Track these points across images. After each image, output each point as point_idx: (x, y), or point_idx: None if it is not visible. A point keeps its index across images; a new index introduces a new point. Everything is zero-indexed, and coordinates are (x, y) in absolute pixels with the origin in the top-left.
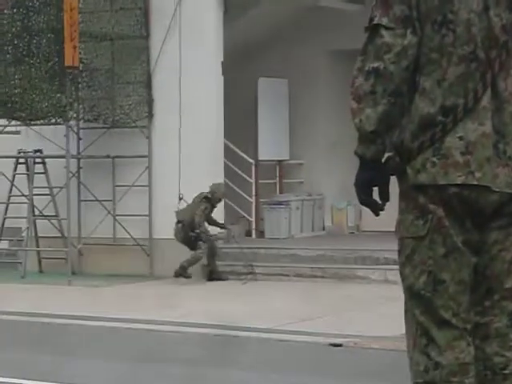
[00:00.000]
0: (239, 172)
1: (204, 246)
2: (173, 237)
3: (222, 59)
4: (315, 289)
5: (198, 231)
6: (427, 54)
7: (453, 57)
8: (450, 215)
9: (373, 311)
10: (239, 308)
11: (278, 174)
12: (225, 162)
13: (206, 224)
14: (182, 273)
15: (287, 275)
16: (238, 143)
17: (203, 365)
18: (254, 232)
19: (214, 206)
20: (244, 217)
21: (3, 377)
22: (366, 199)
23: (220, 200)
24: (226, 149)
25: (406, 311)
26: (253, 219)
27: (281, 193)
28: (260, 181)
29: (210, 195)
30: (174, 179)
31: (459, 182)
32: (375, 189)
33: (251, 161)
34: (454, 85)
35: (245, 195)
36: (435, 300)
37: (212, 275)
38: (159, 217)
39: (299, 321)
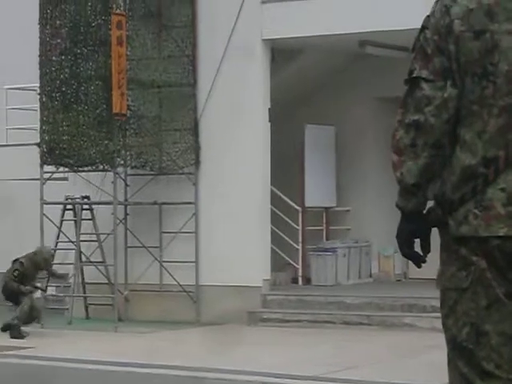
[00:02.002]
0: (286, 219)
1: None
2: (219, 283)
3: (270, 106)
4: (362, 336)
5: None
6: (467, 107)
7: (493, 109)
8: (492, 267)
9: (419, 359)
10: (285, 355)
11: (324, 221)
12: (271, 209)
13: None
14: (16, 335)
15: (334, 322)
16: (285, 190)
17: None
18: (300, 279)
19: (40, 268)
20: (290, 264)
21: None
22: (408, 251)
23: (45, 262)
24: (273, 195)
25: (449, 361)
26: (299, 266)
27: (327, 240)
28: (307, 227)
29: (23, 260)
30: (220, 226)
31: (501, 234)
32: (417, 240)
33: (298, 207)
34: (494, 136)
35: (291, 242)
36: (478, 352)
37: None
38: (206, 263)
39: (345, 369)
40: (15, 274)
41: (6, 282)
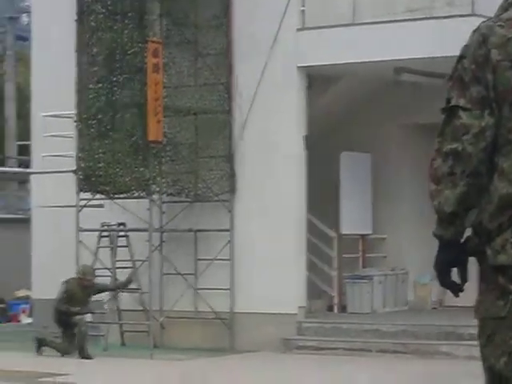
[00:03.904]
0: (322, 246)
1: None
2: (254, 310)
3: (305, 134)
4: (397, 365)
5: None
6: (505, 135)
7: None
8: None
9: None
10: (320, 382)
11: (360, 249)
12: (307, 236)
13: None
14: (85, 356)
15: (369, 350)
16: (321, 217)
17: None
18: (336, 307)
19: (84, 286)
20: (326, 291)
21: None
22: (445, 281)
23: (85, 275)
24: (309, 223)
25: None
26: (335, 294)
27: (364, 267)
28: (343, 255)
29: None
30: (256, 253)
31: None
32: (454, 269)
33: (334, 235)
34: None
35: (327, 270)
36: None
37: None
38: (241, 290)
39: None
40: (64, 296)
41: (55, 306)
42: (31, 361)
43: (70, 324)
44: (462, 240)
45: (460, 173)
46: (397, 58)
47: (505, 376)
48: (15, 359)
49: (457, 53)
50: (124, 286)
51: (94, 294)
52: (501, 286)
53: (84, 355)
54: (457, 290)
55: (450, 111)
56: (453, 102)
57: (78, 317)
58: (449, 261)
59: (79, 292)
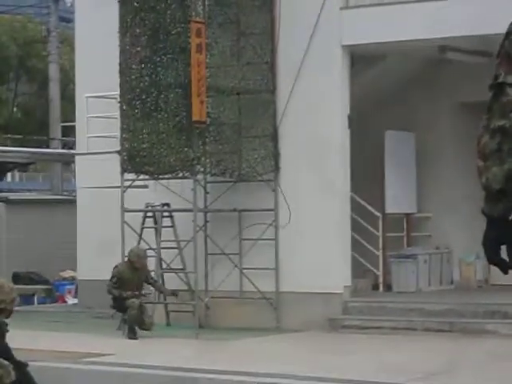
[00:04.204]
0: (366, 225)
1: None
2: (300, 290)
3: (349, 113)
4: (442, 343)
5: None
6: None
7: None
8: None
9: (501, 366)
10: (366, 362)
11: (405, 227)
12: (352, 216)
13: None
14: (131, 336)
15: (414, 329)
16: (366, 196)
17: None
18: (381, 286)
19: (135, 268)
20: (371, 270)
21: None
22: (493, 258)
23: (138, 259)
24: (353, 202)
25: None
26: (380, 273)
27: (408, 246)
28: (387, 234)
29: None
30: (300, 232)
31: None
32: (503, 247)
33: (378, 214)
34: None
35: (372, 249)
36: None
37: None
38: (286, 270)
39: (426, 376)
40: (113, 280)
41: (108, 291)
42: (76, 341)
43: (125, 308)
44: (511, 217)
45: (507, 149)
46: (441, 36)
47: None
48: (61, 339)
49: (503, 30)
50: (165, 294)
51: (145, 281)
52: None
53: (131, 336)
54: (505, 267)
55: (498, 88)
56: (500, 79)
57: (130, 300)
58: (497, 238)
59: (130, 276)
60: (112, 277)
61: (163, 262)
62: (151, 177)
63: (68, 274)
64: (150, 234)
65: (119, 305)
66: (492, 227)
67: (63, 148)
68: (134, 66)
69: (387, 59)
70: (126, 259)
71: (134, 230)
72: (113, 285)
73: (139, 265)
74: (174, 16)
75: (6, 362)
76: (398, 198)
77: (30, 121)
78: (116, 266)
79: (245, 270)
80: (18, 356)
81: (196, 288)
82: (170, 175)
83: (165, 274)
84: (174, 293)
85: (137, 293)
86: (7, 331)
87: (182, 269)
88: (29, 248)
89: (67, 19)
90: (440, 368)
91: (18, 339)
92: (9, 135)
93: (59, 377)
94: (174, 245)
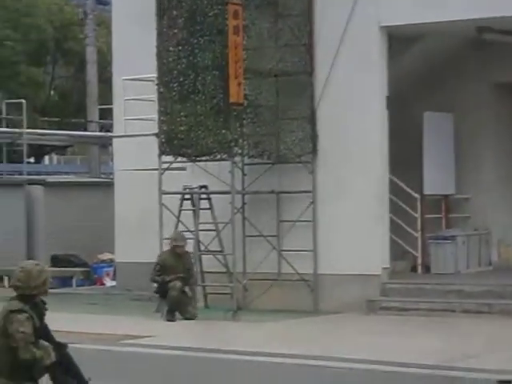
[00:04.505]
0: (405, 207)
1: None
2: (338, 272)
3: (387, 94)
4: (481, 325)
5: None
6: None
7: None
8: None
9: None
10: (405, 344)
11: (443, 209)
12: (390, 197)
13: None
14: (170, 318)
15: (453, 311)
16: (404, 178)
17: None
18: (419, 267)
19: (178, 255)
20: (409, 252)
21: None
22: None
23: (176, 247)
24: (391, 183)
25: None
26: (418, 254)
27: (447, 228)
28: (426, 215)
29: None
30: (338, 214)
31: None
32: None
33: (416, 195)
34: None
35: (410, 230)
36: None
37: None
38: (324, 252)
39: (465, 358)
40: (156, 268)
41: (151, 279)
42: (115, 323)
43: (166, 293)
44: None
45: None
46: (479, 16)
47: None
48: (99, 322)
49: None
50: (190, 284)
51: (186, 268)
52: None
53: (170, 318)
54: None
55: None
56: None
57: (171, 283)
58: None
59: (174, 262)
60: (156, 264)
61: (201, 245)
62: (189, 159)
63: (106, 256)
64: (187, 217)
65: (163, 290)
66: None
67: (101, 131)
68: (171, 49)
69: (425, 40)
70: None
71: (172, 213)
72: (156, 273)
73: (179, 249)
74: None
75: (46, 343)
76: (437, 179)
77: (67, 104)
78: (160, 255)
79: (283, 252)
80: (57, 338)
81: (234, 270)
82: (207, 157)
83: (203, 257)
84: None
85: (181, 275)
86: (46, 310)
87: (219, 251)
88: (67, 231)
89: (104, 2)
90: (479, 350)
91: (57, 321)
92: (46, 118)
93: (98, 359)
94: (211, 227)
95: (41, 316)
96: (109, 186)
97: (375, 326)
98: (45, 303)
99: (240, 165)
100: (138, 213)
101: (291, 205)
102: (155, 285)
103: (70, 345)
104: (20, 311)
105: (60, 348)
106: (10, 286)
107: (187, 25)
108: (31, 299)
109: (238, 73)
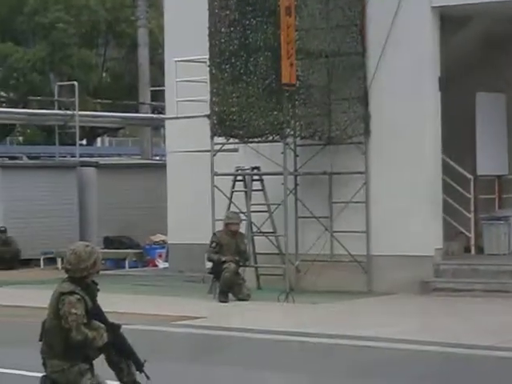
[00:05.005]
0: (458, 187)
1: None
2: (391, 253)
3: (439, 74)
4: None
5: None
6: None
7: None
8: None
9: None
10: (458, 325)
11: (496, 189)
12: (443, 178)
13: None
14: (223, 299)
15: (507, 291)
16: (457, 158)
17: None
18: (472, 248)
19: (232, 234)
20: (463, 233)
21: None
22: None
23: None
24: (444, 164)
25: None
26: (472, 235)
27: (500, 208)
28: (479, 196)
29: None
30: (391, 195)
31: None
32: None
33: (470, 176)
34: None
35: (463, 211)
36: None
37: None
38: (377, 233)
39: None
40: (213, 245)
41: (208, 258)
42: (168, 304)
43: (221, 272)
44: None
45: None
46: None
47: None
48: (152, 303)
49: None
50: (239, 263)
51: (241, 248)
52: None
53: (223, 299)
54: None
55: None
56: None
57: (226, 264)
58: None
59: (228, 241)
60: (211, 242)
61: (253, 226)
62: (241, 140)
63: (158, 237)
64: (240, 198)
65: (217, 270)
66: None
67: (153, 112)
68: (223, 30)
69: (477, 20)
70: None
71: (224, 194)
72: (212, 250)
73: (234, 227)
74: None
75: (98, 324)
76: (490, 159)
77: (119, 86)
78: (214, 234)
79: (335, 233)
80: (111, 319)
81: (286, 251)
82: (259, 138)
83: (255, 238)
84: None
85: (237, 258)
86: (98, 291)
87: (272, 232)
88: (119, 212)
89: None
90: None
91: (110, 303)
92: (98, 100)
93: (151, 340)
94: (264, 208)
95: (93, 297)
96: (161, 167)
97: (429, 307)
98: (96, 284)
99: (292, 146)
100: (190, 194)
101: (343, 186)
102: (208, 265)
103: (123, 326)
104: (71, 293)
105: (113, 329)
106: (62, 268)
107: (239, 6)
108: (82, 281)
109: (290, 54)
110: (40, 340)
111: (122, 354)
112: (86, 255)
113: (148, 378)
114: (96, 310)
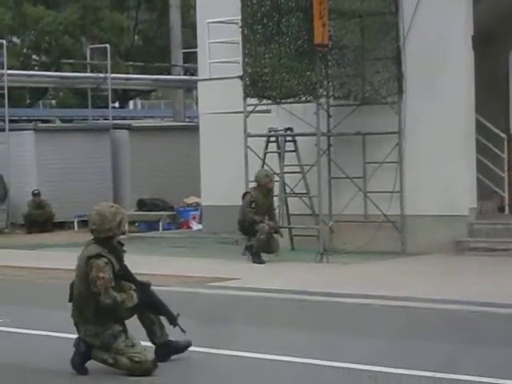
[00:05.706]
0: (491, 147)
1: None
2: (424, 213)
3: (473, 33)
4: None
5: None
6: None
7: None
8: None
9: None
10: (493, 284)
11: None
12: (476, 137)
13: None
14: (257, 260)
15: None
16: (490, 117)
17: (459, 342)
18: (506, 207)
19: (266, 192)
20: (497, 192)
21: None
22: None
23: (263, 185)
24: (478, 123)
25: None
26: (505, 194)
27: None
28: None
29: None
30: (425, 155)
31: None
32: None
33: (503, 135)
34: None
35: (497, 170)
36: None
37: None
38: (410, 193)
39: None
40: (252, 205)
41: (243, 216)
42: (202, 266)
43: (254, 232)
44: None
45: None
46: None
47: None
48: (186, 265)
49: None
50: (271, 227)
51: (273, 206)
52: None
53: (257, 261)
54: None
55: None
56: None
57: (261, 224)
58: None
59: (262, 200)
60: (250, 202)
61: (287, 187)
62: (274, 101)
63: (192, 200)
64: (273, 159)
65: (248, 229)
66: None
67: (185, 74)
68: None
69: None
70: (254, 185)
71: (258, 155)
72: (251, 209)
73: (271, 184)
74: None
75: (130, 285)
76: None
77: (151, 48)
78: (248, 192)
79: (369, 194)
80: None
81: (320, 212)
82: (292, 99)
83: (288, 199)
84: (277, 230)
85: (267, 217)
86: (124, 252)
87: (305, 193)
88: (153, 175)
89: None
90: None
91: (144, 265)
92: (130, 63)
93: (185, 301)
94: (297, 169)
95: (119, 259)
96: (194, 129)
97: (463, 267)
98: (123, 245)
99: (325, 106)
100: (224, 156)
101: (377, 146)
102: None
103: (157, 287)
104: (98, 256)
105: (144, 288)
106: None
107: None
108: (108, 242)
109: (323, 14)
110: (70, 301)
111: (154, 312)
112: (111, 215)
113: (183, 331)
114: (123, 270)
